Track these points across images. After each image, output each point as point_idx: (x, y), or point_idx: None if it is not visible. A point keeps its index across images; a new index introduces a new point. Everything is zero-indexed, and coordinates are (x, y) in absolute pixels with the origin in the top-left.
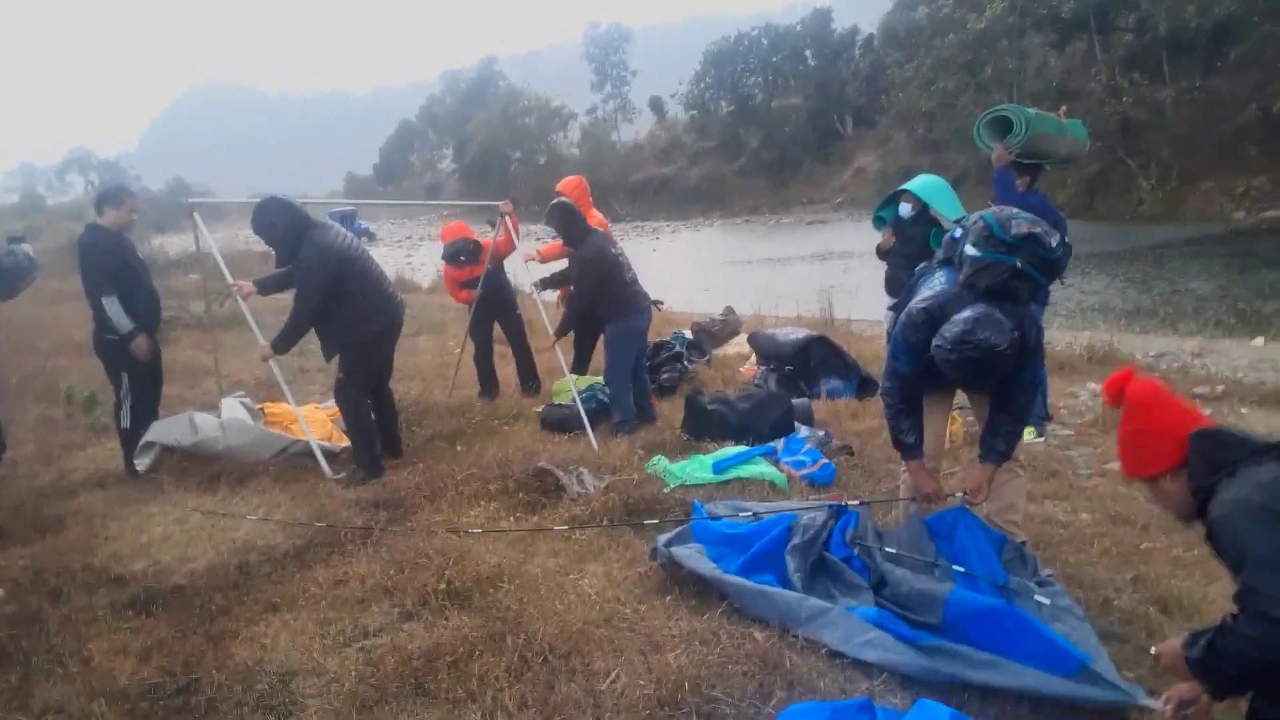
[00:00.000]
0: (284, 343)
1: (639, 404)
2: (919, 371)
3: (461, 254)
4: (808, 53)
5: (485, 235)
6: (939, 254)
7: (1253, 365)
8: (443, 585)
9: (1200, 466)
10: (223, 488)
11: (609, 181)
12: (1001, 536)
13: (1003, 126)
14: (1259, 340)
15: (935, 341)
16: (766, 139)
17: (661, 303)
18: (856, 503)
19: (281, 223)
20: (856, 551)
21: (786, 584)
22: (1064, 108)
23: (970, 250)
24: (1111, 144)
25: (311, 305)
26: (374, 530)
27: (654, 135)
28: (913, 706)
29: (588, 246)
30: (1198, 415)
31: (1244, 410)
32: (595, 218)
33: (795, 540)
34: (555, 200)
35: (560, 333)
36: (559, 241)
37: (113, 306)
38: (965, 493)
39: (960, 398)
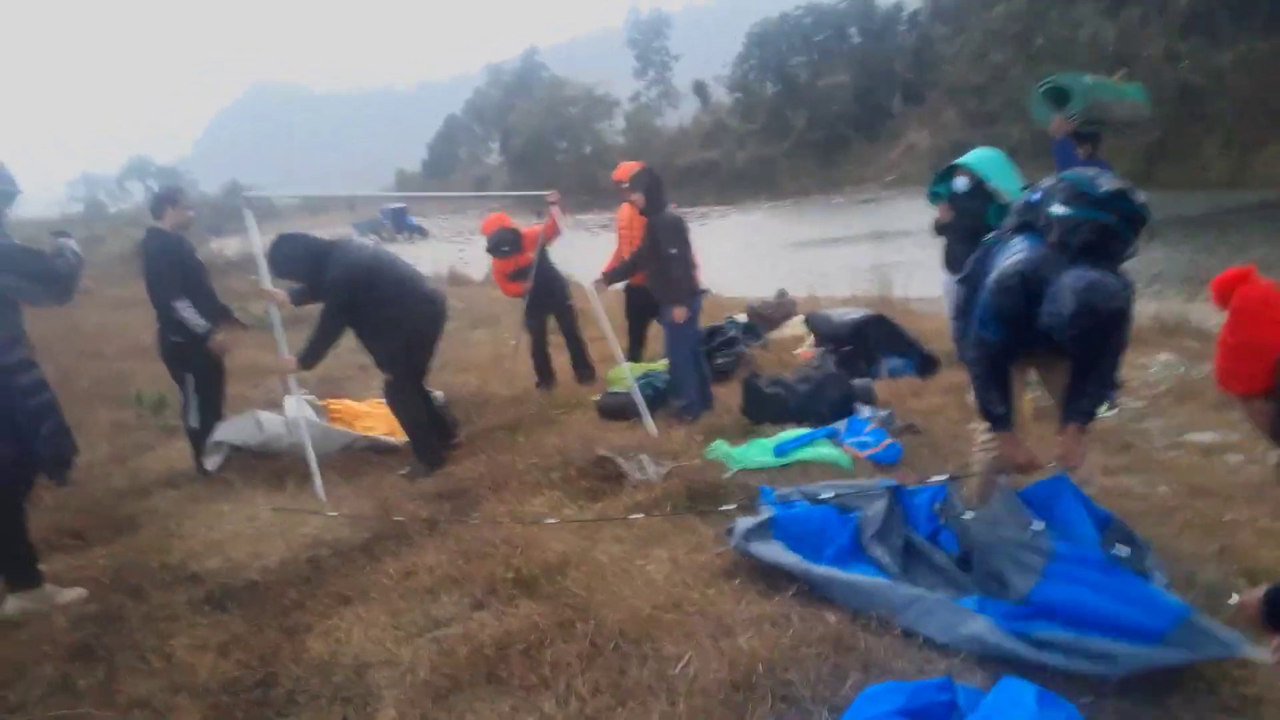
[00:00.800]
0: (310, 357)
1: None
2: (1008, 339)
3: (504, 244)
4: (853, 30)
5: (529, 225)
6: (1010, 220)
7: None
8: (510, 574)
9: None
10: (290, 484)
11: (655, 167)
12: (1107, 514)
13: (1059, 96)
14: None
15: (1048, 317)
16: (813, 119)
17: (709, 290)
18: (943, 477)
19: (302, 257)
20: (943, 522)
21: (879, 572)
22: (1122, 71)
23: (1059, 210)
24: (1171, 110)
25: (339, 321)
26: (439, 522)
27: (699, 119)
28: (996, 684)
29: (669, 214)
30: None
31: None
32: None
33: (871, 531)
34: (645, 166)
35: (612, 279)
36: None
37: (186, 310)
38: (1059, 461)
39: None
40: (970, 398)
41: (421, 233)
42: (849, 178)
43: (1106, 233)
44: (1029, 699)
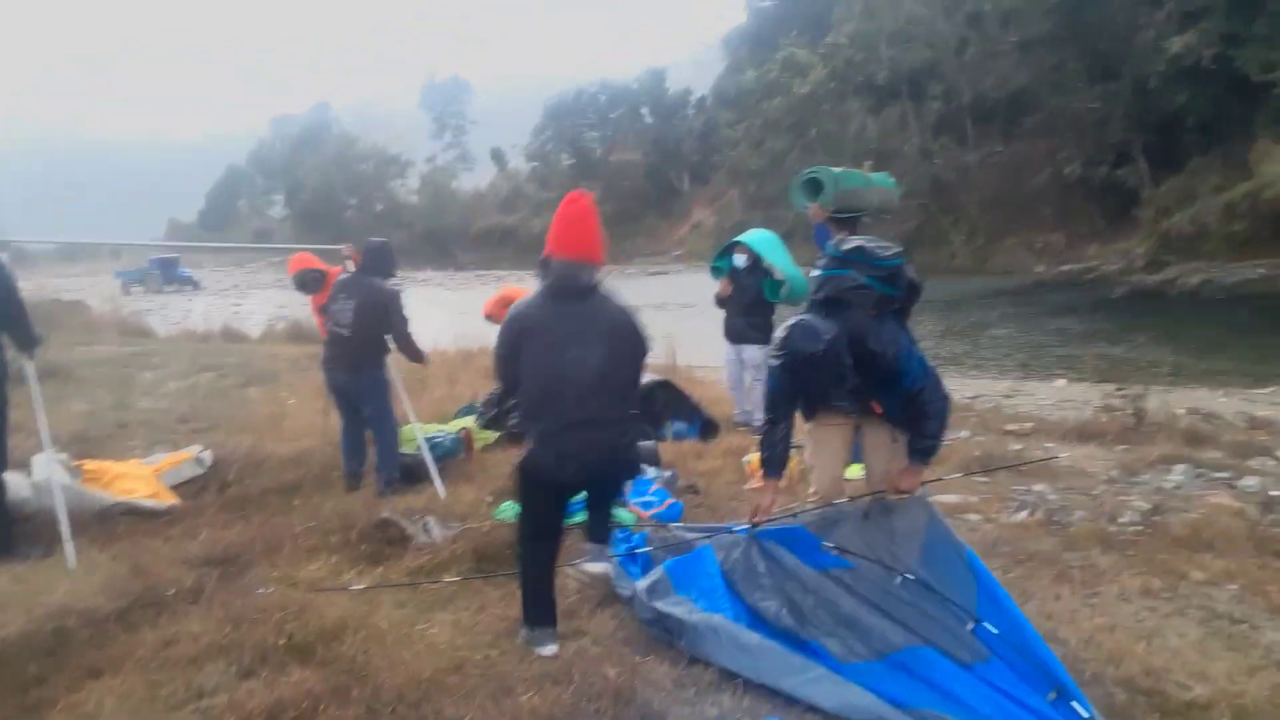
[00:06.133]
0: None
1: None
2: (787, 388)
3: (308, 284)
4: (644, 110)
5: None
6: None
7: (1056, 404)
8: (283, 641)
9: None
10: (37, 550)
11: (450, 230)
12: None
13: (814, 186)
14: (1061, 382)
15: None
16: (607, 192)
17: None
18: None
19: None
20: (835, 552)
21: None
22: (869, 162)
23: (814, 271)
24: (925, 202)
25: None
26: (205, 588)
27: (495, 185)
28: None
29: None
30: None
31: (1050, 445)
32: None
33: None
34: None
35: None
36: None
37: None
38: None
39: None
40: (745, 460)
41: (194, 284)
42: (641, 249)
43: (850, 286)
44: None
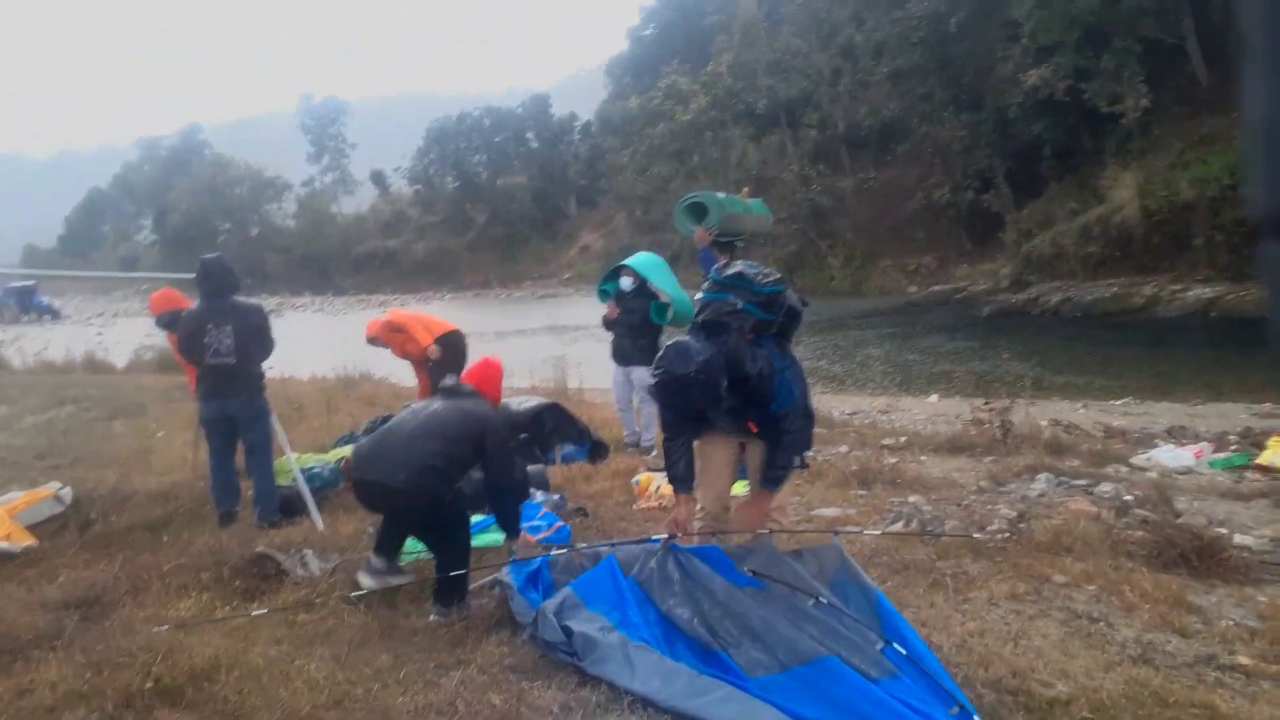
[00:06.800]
0: None
1: None
2: (669, 406)
3: (175, 322)
4: (529, 135)
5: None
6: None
7: (929, 419)
8: (150, 684)
9: None
10: None
11: (330, 254)
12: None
13: (698, 211)
14: (933, 397)
15: None
16: (494, 216)
17: None
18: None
19: None
20: (750, 574)
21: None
22: (746, 189)
23: (698, 296)
24: (804, 227)
25: None
26: (64, 632)
27: (376, 208)
28: None
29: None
30: None
31: (924, 457)
32: None
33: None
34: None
35: None
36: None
37: None
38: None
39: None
40: (635, 480)
41: (53, 314)
42: (528, 273)
43: (729, 311)
44: None
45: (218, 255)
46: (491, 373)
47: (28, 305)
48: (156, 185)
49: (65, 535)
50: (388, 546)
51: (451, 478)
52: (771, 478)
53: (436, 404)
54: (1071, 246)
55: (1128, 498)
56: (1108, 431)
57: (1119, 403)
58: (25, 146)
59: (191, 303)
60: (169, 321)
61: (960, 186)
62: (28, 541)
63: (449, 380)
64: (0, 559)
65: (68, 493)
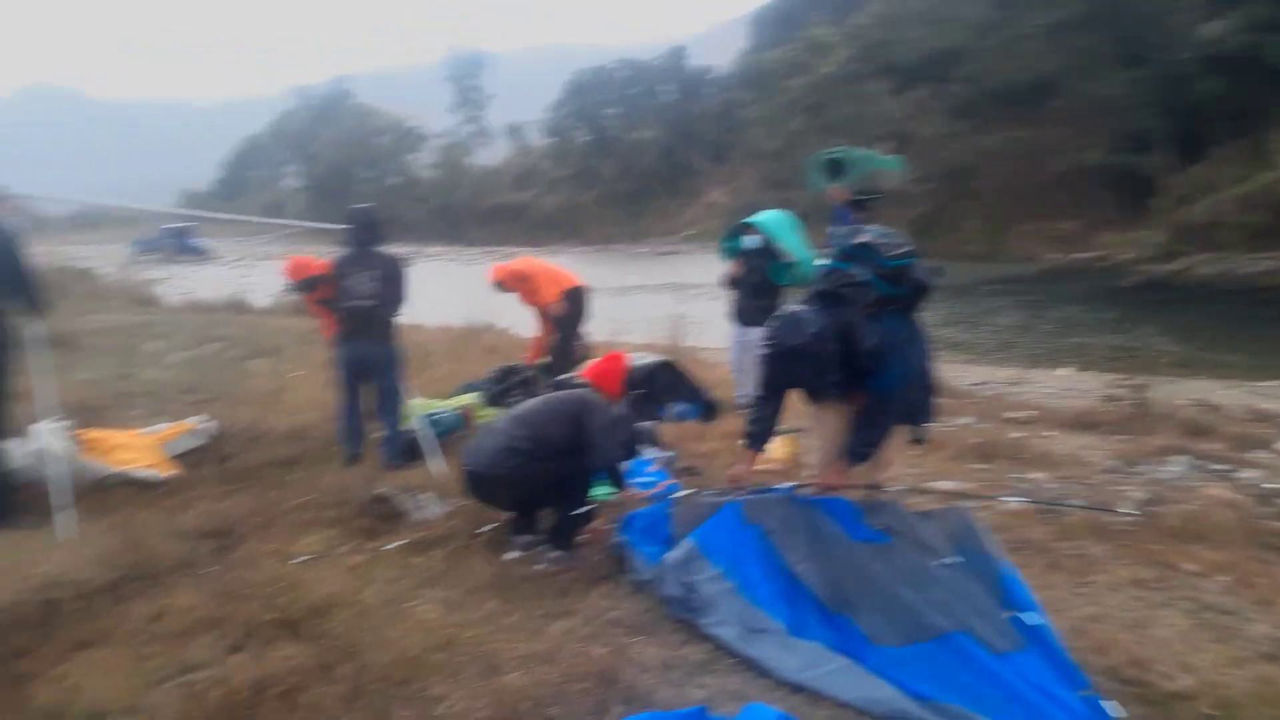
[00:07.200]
0: None
1: None
2: (775, 375)
3: (314, 286)
4: (664, 88)
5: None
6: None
7: (1060, 393)
8: (272, 616)
9: None
10: (32, 518)
11: (462, 205)
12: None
13: (834, 168)
14: (1066, 370)
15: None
16: (623, 170)
17: None
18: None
19: None
20: (877, 527)
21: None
22: (883, 145)
23: (821, 262)
24: (940, 187)
25: None
26: (198, 561)
27: (511, 161)
28: (742, 710)
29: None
30: None
31: (1050, 433)
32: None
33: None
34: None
35: None
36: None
37: None
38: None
39: None
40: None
41: (206, 254)
42: (652, 230)
43: (848, 281)
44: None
45: (369, 206)
46: (613, 367)
47: (182, 247)
48: (305, 134)
49: (204, 468)
50: (520, 525)
51: (537, 456)
52: (856, 452)
53: (540, 398)
54: (1231, 215)
55: (1270, 485)
56: (1254, 414)
57: (1269, 384)
58: (190, 94)
59: (323, 267)
60: (309, 285)
61: (1113, 148)
62: (171, 472)
63: (563, 376)
64: (144, 487)
65: (213, 426)
